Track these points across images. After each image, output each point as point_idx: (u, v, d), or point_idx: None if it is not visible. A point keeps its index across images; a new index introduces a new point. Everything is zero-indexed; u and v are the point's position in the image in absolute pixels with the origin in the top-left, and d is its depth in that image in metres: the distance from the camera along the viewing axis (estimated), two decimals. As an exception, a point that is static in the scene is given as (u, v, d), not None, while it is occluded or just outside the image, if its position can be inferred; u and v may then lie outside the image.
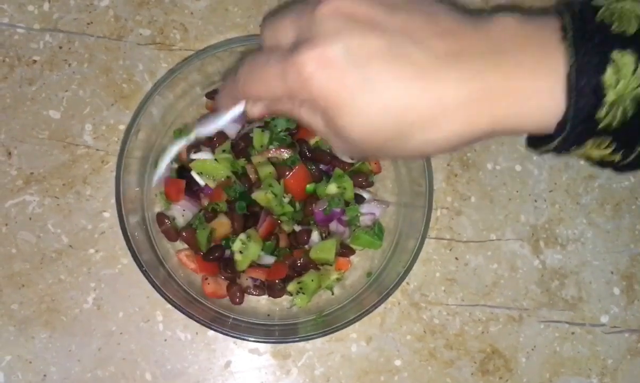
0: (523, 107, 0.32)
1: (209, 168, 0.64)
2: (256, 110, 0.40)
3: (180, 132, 0.59)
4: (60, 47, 0.70)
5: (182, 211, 0.64)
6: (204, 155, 0.64)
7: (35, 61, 0.69)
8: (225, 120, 0.43)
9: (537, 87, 0.32)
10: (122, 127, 0.69)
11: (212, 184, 0.64)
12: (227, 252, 0.63)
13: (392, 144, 0.34)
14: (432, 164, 0.61)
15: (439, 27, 0.32)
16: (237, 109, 0.41)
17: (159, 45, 0.70)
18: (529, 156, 0.71)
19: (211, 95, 0.66)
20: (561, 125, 0.32)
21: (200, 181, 0.64)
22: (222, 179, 0.64)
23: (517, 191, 0.71)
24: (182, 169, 0.65)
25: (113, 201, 0.68)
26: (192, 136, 0.49)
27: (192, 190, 0.65)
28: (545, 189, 0.71)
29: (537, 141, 0.35)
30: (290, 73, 0.33)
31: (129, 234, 0.59)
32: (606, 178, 0.72)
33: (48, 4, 0.70)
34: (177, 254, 0.65)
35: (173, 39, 0.71)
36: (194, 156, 0.64)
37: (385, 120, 0.33)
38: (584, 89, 0.31)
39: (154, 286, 0.58)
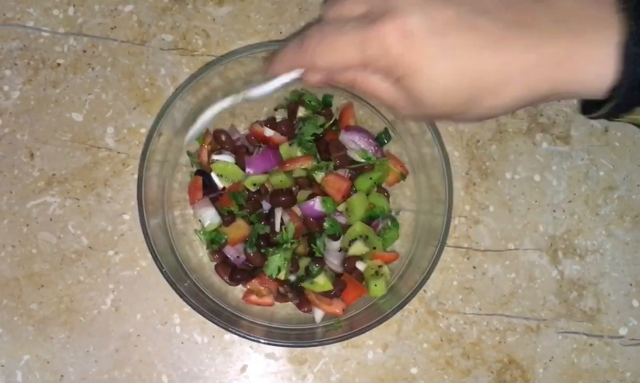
0: (580, 73, 0.34)
1: (229, 171, 0.64)
2: (316, 78, 0.41)
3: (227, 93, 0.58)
4: (84, 51, 0.71)
5: (211, 215, 0.64)
6: (225, 157, 0.65)
7: (59, 64, 0.70)
8: (276, 85, 0.44)
9: (594, 54, 0.34)
10: (144, 130, 0.70)
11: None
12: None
13: (462, 108, 0.37)
14: (451, 173, 0.61)
15: None
16: (291, 76, 0.42)
17: (181, 50, 0.71)
18: (547, 166, 0.71)
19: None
20: (614, 91, 0.34)
21: (219, 183, 0.65)
22: (234, 182, 0.65)
23: (536, 201, 0.71)
24: (200, 172, 0.66)
25: (133, 203, 0.68)
26: (240, 97, 0.48)
27: (213, 193, 0.66)
28: (564, 199, 0.71)
29: (589, 107, 0.38)
30: (370, 43, 0.35)
31: (149, 236, 0.59)
32: (625, 190, 0.72)
33: (73, 8, 0.72)
34: (246, 297, 0.65)
35: (195, 44, 0.71)
36: (215, 157, 0.65)
37: (460, 86, 0.35)
38: (639, 57, 0.33)
39: (173, 288, 0.59)
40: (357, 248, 0.63)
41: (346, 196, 0.64)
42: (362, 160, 0.65)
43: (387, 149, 0.68)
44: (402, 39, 0.34)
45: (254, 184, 0.64)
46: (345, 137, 0.66)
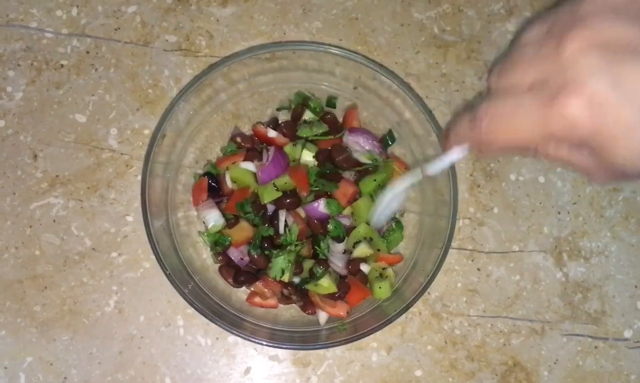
0: None
1: (246, 178, 0.64)
2: (493, 154, 0.39)
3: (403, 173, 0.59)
4: (88, 52, 0.71)
5: (215, 217, 0.64)
6: (248, 166, 0.64)
7: (62, 66, 0.70)
8: (452, 159, 0.44)
9: None
10: (147, 132, 0.69)
11: None
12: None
13: None
14: (456, 174, 0.60)
15: None
16: (465, 151, 0.42)
17: (184, 51, 0.71)
18: (552, 167, 0.71)
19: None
20: None
21: (229, 184, 0.65)
22: (239, 188, 0.65)
23: (541, 203, 0.71)
24: (209, 174, 0.66)
25: (136, 205, 0.68)
26: (418, 175, 0.50)
27: (218, 195, 0.66)
28: (568, 201, 0.71)
29: None
30: (554, 119, 0.32)
31: (153, 237, 0.59)
32: (630, 191, 0.72)
33: (76, 9, 0.71)
34: (250, 299, 0.65)
35: (199, 45, 0.71)
36: (242, 164, 0.65)
37: None
38: None
39: (177, 290, 0.58)
40: (362, 250, 0.63)
41: (351, 201, 0.64)
42: (367, 161, 0.65)
43: (391, 151, 0.68)
44: (592, 112, 0.31)
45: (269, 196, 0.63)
46: (350, 139, 0.66)
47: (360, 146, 0.65)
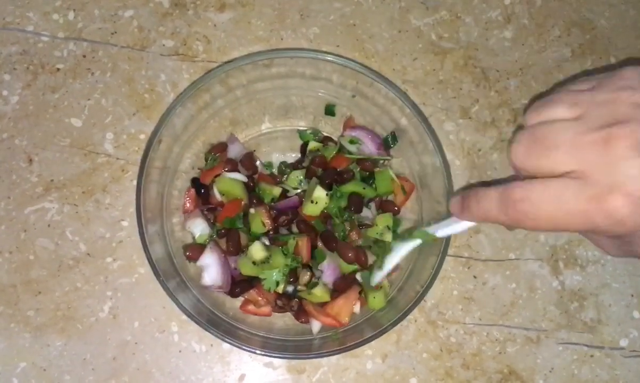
0: None
1: (235, 190, 0.63)
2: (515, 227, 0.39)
3: (404, 236, 0.58)
4: (84, 56, 0.70)
5: (200, 227, 0.64)
6: (237, 176, 0.64)
7: (58, 69, 0.70)
8: (465, 228, 0.45)
9: None
10: (143, 137, 0.69)
11: None
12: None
13: None
14: (452, 183, 0.60)
15: None
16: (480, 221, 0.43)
17: (181, 56, 0.71)
18: (549, 175, 0.71)
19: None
20: None
21: (218, 196, 0.64)
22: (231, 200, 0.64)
23: (537, 211, 0.70)
24: (196, 182, 0.65)
25: (132, 210, 0.68)
26: (428, 238, 0.51)
27: (209, 205, 0.65)
28: (565, 209, 0.71)
29: None
30: (599, 215, 0.33)
31: (147, 243, 0.59)
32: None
33: (73, 13, 0.71)
34: (243, 307, 0.64)
35: (196, 50, 0.71)
36: (228, 175, 0.64)
37: None
38: None
39: (170, 296, 0.58)
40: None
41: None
42: (362, 157, 0.65)
43: (389, 163, 0.68)
44: (637, 212, 0.32)
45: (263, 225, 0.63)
46: (350, 133, 0.66)
47: (360, 142, 0.65)
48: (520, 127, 0.38)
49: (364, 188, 0.64)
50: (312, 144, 0.66)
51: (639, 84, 0.34)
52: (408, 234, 0.55)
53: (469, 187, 0.71)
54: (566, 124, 0.35)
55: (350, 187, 0.63)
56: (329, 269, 0.62)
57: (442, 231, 0.48)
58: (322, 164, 0.64)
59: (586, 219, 0.34)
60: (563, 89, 0.38)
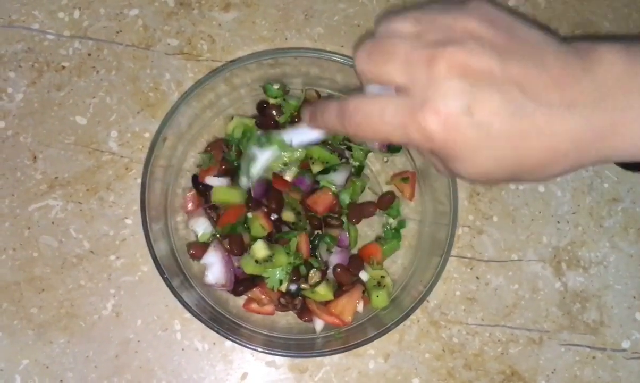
0: (628, 143, 0.35)
1: (231, 196, 0.63)
2: (356, 140, 0.41)
3: (261, 140, 0.56)
4: (89, 55, 0.71)
5: (203, 226, 0.64)
6: (220, 181, 0.64)
7: (64, 67, 0.70)
8: (314, 138, 0.47)
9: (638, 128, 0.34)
10: (148, 135, 0.69)
11: None
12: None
13: (503, 183, 0.37)
14: (456, 183, 0.60)
15: (551, 75, 0.34)
16: (326, 134, 0.45)
17: (186, 55, 0.71)
18: (552, 177, 0.71)
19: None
20: None
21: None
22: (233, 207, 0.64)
23: (540, 212, 0.71)
24: (196, 182, 0.65)
25: (135, 208, 0.68)
26: (285, 144, 0.51)
27: (211, 204, 0.65)
28: (568, 211, 0.71)
29: (631, 165, 0.39)
30: (412, 128, 0.35)
31: (151, 241, 0.59)
32: (630, 202, 0.72)
33: (78, 11, 0.71)
34: (246, 305, 0.65)
35: (200, 49, 0.71)
36: (208, 181, 0.64)
37: (501, 170, 0.36)
38: None
39: (174, 295, 0.58)
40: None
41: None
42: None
43: (392, 159, 0.68)
44: (444, 128, 0.34)
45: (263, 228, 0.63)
46: None
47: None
48: (370, 36, 0.40)
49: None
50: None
51: (477, 15, 0.35)
52: (266, 141, 0.54)
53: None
54: (405, 39, 0.36)
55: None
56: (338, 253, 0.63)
57: (295, 138, 0.49)
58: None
59: (403, 132, 0.36)
60: (415, 8, 0.39)
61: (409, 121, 0.35)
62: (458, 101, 0.34)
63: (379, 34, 0.39)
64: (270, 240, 0.63)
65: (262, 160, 0.54)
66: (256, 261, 0.60)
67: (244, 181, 0.57)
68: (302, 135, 0.48)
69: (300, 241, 0.62)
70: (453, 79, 0.34)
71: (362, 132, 0.39)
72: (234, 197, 0.63)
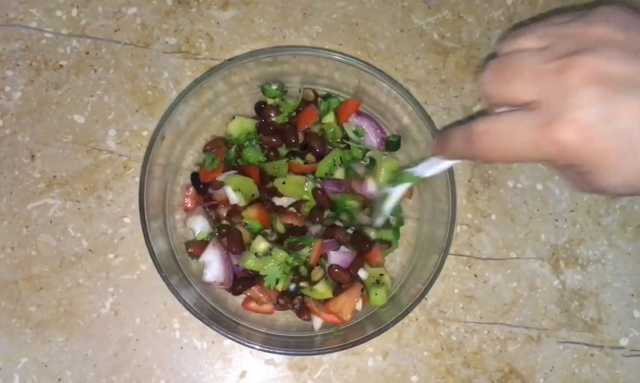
0: None
1: (246, 186, 0.63)
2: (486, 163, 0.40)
3: (395, 181, 0.57)
4: (87, 53, 0.70)
5: (201, 225, 0.64)
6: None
7: (61, 66, 0.70)
8: (446, 167, 0.47)
9: None
10: (146, 133, 0.69)
11: (243, 203, 0.63)
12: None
13: None
14: (454, 181, 0.60)
15: None
16: (458, 161, 0.45)
17: (184, 53, 0.71)
18: (550, 175, 0.71)
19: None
20: None
21: (234, 199, 0.63)
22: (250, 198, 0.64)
23: (538, 210, 0.71)
24: (195, 179, 0.65)
25: (134, 206, 0.68)
26: (417, 180, 0.52)
27: (211, 202, 0.65)
28: (566, 209, 0.71)
29: None
30: (546, 143, 0.34)
31: (150, 239, 0.59)
32: (628, 200, 0.72)
33: (76, 10, 0.71)
34: (245, 304, 0.64)
35: (199, 48, 0.71)
36: (220, 178, 0.63)
37: None
38: None
39: (173, 293, 0.58)
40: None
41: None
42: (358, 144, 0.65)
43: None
44: (582, 140, 0.32)
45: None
46: (356, 121, 0.66)
47: (363, 131, 0.66)
48: (492, 56, 0.38)
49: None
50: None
51: (607, 21, 0.34)
52: (398, 180, 0.55)
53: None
54: (532, 54, 0.35)
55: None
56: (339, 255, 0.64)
57: (426, 171, 0.49)
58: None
59: (536, 148, 0.34)
60: (539, 22, 0.38)
61: (542, 136, 0.34)
62: (595, 109, 0.32)
63: (502, 53, 0.37)
64: (281, 243, 0.63)
65: (394, 197, 0.55)
66: (255, 255, 0.60)
67: (379, 221, 0.59)
68: (432, 167, 0.49)
69: (314, 249, 0.62)
70: (587, 87, 0.32)
71: (492, 154, 0.37)
72: (250, 188, 0.63)
